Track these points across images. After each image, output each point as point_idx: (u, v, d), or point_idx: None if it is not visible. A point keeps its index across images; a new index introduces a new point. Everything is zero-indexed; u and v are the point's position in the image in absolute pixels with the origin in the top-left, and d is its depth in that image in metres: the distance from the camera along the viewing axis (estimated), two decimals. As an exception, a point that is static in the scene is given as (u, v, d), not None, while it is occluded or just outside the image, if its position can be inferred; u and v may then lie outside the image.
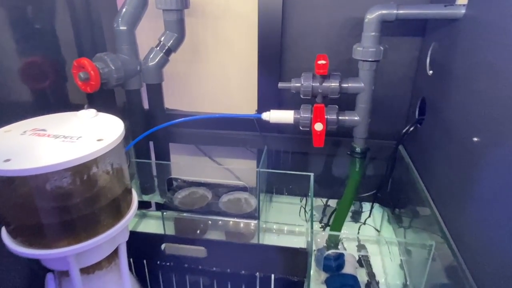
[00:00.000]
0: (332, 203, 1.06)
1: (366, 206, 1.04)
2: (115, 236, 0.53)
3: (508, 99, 0.49)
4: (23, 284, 0.67)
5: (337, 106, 0.76)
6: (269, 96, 0.98)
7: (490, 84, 0.54)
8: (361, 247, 0.93)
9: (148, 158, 1.06)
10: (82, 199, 0.48)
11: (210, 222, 0.95)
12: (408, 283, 0.81)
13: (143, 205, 1.04)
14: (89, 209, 0.49)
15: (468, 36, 0.62)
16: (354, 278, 0.81)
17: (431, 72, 0.79)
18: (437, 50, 0.77)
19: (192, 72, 1.08)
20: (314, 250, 0.86)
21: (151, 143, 1.05)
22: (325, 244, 0.87)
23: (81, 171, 0.46)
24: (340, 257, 0.83)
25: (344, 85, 0.72)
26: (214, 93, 1.10)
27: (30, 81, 0.76)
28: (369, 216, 0.98)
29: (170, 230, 0.95)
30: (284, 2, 0.88)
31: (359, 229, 1.00)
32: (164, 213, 0.93)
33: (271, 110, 0.77)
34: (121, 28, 0.86)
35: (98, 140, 0.48)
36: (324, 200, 1.07)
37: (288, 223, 1.02)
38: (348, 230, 0.99)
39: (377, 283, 0.83)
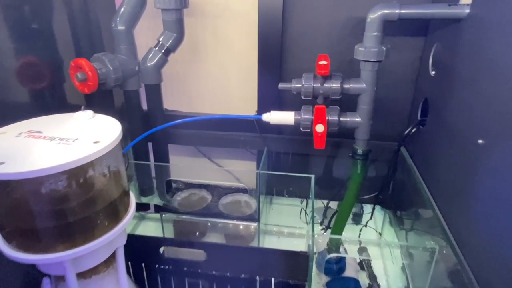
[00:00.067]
0: (333, 205, 1.05)
1: (367, 208, 1.03)
2: (112, 240, 0.52)
3: (514, 100, 0.48)
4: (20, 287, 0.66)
5: (338, 107, 0.75)
6: (269, 97, 0.97)
7: (495, 85, 0.53)
8: (362, 250, 0.92)
9: (147, 160, 1.05)
10: (78, 203, 0.47)
11: (209, 224, 0.94)
12: (410, 287, 0.80)
13: (142, 207, 1.03)
14: (85, 213, 0.48)
15: (472, 36, 0.61)
16: (355, 281, 0.80)
17: (433, 72, 0.78)
18: (440, 50, 0.76)
19: (192, 73, 1.07)
20: (315, 253, 0.85)
21: (150, 145, 1.04)
22: (326, 247, 0.86)
23: (77, 174, 0.45)
24: (341, 260, 0.83)
25: (346, 86, 0.71)
26: (213, 94, 1.09)
27: (27, 81, 0.75)
28: (371, 218, 0.97)
29: (169, 233, 0.94)
30: (284, 1, 0.87)
31: (360, 232, 0.98)
32: (163, 215, 0.92)
33: (272, 111, 0.76)
34: (119, 28, 0.85)
35: (95, 142, 0.46)
36: (325, 202, 1.06)
37: (288, 226, 1.01)
38: (349, 232, 0.98)
39: (379, 286, 0.82)
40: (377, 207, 1.01)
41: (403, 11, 0.66)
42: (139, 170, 1.05)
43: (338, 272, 0.82)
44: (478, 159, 0.56)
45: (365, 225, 0.99)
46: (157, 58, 0.90)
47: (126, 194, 0.56)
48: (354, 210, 1.02)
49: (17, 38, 0.72)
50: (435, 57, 0.78)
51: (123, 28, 0.85)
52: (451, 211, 0.65)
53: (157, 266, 0.71)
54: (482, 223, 0.54)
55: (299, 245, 0.97)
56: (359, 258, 0.89)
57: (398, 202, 0.94)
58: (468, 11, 0.62)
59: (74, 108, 0.57)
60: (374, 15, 0.67)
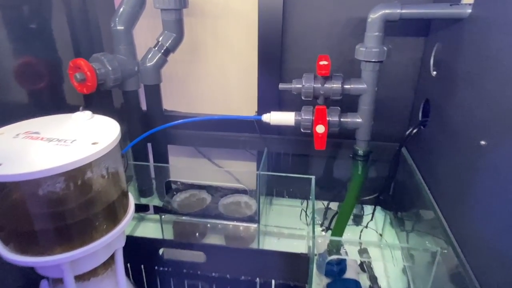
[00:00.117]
0: (333, 206, 1.05)
1: (368, 209, 1.03)
2: (111, 242, 0.52)
3: (517, 101, 0.47)
4: (17, 290, 0.65)
5: (339, 108, 0.74)
6: (269, 97, 0.97)
7: (497, 85, 0.52)
8: (363, 251, 0.91)
9: (146, 160, 1.04)
10: (76, 205, 0.47)
11: (209, 225, 0.93)
12: (411, 288, 0.80)
13: (141, 208, 1.03)
14: (83, 215, 0.48)
15: (474, 36, 0.61)
16: (356, 283, 0.80)
17: (435, 73, 0.78)
18: (442, 50, 0.75)
19: (191, 73, 1.06)
20: (315, 255, 0.84)
21: (149, 145, 1.03)
22: (326, 248, 0.86)
23: (75, 176, 0.45)
24: (342, 262, 0.82)
25: (347, 86, 0.71)
26: (213, 94, 1.08)
27: (25, 81, 0.75)
28: (371, 219, 0.97)
29: (169, 234, 0.93)
30: (284, 1, 0.87)
31: (361, 233, 0.98)
32: (163, 217, 0.91)
33: (272, 112, 0.75)
34: (118, 28, 0.85)
35: (93, 143, 0.46)
36: (325, 203, 1.05)
37: (288, 227, 1.01)
38: (350, 233, 0.98)
39: (380, 288, 0.82)
40: (378, 208, 1.00)
41: (404, 11, 0.65)
42: (139, 171, 1.04)
43: (339, 274, 0.81)
44: (480, 160, 0.56)
45: (366, 226, 0.98)
46: (157, 58, 0.89)
47: (125, 195, 0.56)
48: (354, 211, 1.01)
49: (15, 38, 0.71)
50: (436, 57, 0.78)
51: (122, 28, 0.85)
52: (452, 212, 0.65)
53: (156, 268, 0.71)
54: (484, 225, 0.54)
55: (299, 247, 0.96)
56: (360, 260, 0.88)
57: (399, 203, 0.93)
58: (470, 11, 0.62)
59: (73, 109, 0.57)
60: (375, 15, 0.66)
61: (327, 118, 0.72)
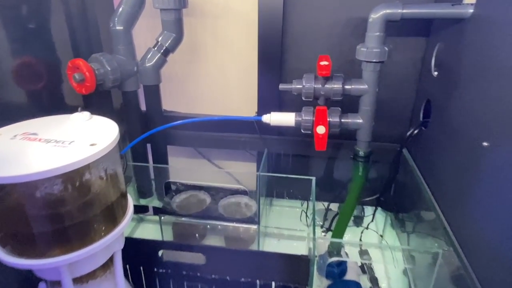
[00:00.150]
0: (334, 207, 1.04)
1: (368, 210, 1.02)
2: (110, 244, 0.51)
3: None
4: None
5: (339, 109, 0.74)
6: (270, 98, 0.96)
7: (500, 86, 0.52)
8: (363, 252, 0.91)
9: (146, 161, 1.04)
10: (74, 207, 0.46)
11: (209, 226, 0.93)
12: (412, 290, 0.79)
13: (141, 209, 1.02)
14: (82, 217, 0.47)
15: (476, 36, 0.60)
16: (357, 284, 0.79)
17: (436, 73, 0.77)
18: (443, 50, 0.75)
19: (191, 73, 1.06)
20: (316, 257, 0.84)
21: (148, 146, 1.03)
22: (327, 250, 0.85)
23: (73, 178, 0.44)
24: (342, 264, 0.81)
25: (347, 86, 0.70)
26: (213, 95, 1.08)
27: (24, 82, 0.74)
28: (372, 220, 0.96)
29: (168, 235, 0.93)
30: (285, 0, 0.86)
31: (361, 234, 0.97)
32: (162, 218, 0.91)
33: (272, 113, 0.75)
34: (117, 28, 0.84)
35: (91, 144, 0.46)
36: (326, 204, 1.05)
37: (289, 228, 1.00)
38: (350, 234, 0.97)
39: (380, 290, 0.81)
40: (378, 209, 0.99)
41: (405, 11, 0.65)
42: (138, 172, 1.04)
43: (340, 276, 0.81)
44: (483, 162, 0.55)
45: (367, 228, 0.98)
46: (156, 58, 0.89)
47: (123, 197, 0.55)
48: (355, 212, 1.01)
49: (13, 38, 0.71)
50: (437, 57, 0.77)
51: (122, 28, 0.84)
52: (454, 213, 0.64)
53: (155, 269, 0.71)
54: (486, 226, 0.54)
55: (299, 248, 0.96)
56: (361, 262, 0.88)
57: (399, 204, 0.93)
58: (472, 10, 0.61)
59: (72, 109, 0.56)
60: (376, 15, 0.65)
61: (328, 119, 0.71)
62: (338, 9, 0.85)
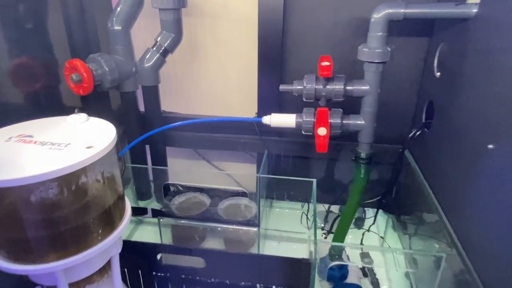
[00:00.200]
0: (335, 208, 1.03)
1: (369, 212, 1.01)
2: (107, 248, 0.50)
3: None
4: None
5: (341, 110, 0.73)
6: (270, 99, 0.96)
7: (505, 87, 0.51)
8: (365, 255, 0.90)
9: (145, 163, 1.03)
10: (70, 211, 0.45)
11: (208, 229, 0.92)
12: (415, 294, 0.78)
13: (139, 211, 1.02)
14: (78, 221, 0.46)
15: (480, 37, 0.59)
16: (358, 288, 0.78)
17: (438, 74, 0.76)
18: (446, 51, 0.74)
19: (190, 74, 1.05)
20: (317, 260, 0.83)
21: (147, 147, 1.02)
22: (328, 253, 0.84)
23: (69, 181, 0.43)
24: (343, 267, 0.81)
25: (349, 87, 0.69)
26: (212, 96, 1.07)
27: (20, 83, 0.73)
28: (373, 223, 0.95)
29: (167, 237, 0.92)
30: (285, 0, 0.85)
31: (362, 236, 0.96)
32: (161, 220, 0.90)
33: (272, 114, 0.74)
34: (115, 27, 0.83)
35: (88, 147, 0.44)
36: (326, 206, 1.04)
37: (289, 231, 0.99)
38: (351, 236, 0.96)
39: (382, 293, 0.80)
40: (380, 211, 0.98)
41: (408, 10, 0.64)
42: (136, 174, 1.03)
43: (341, 279, 0.80)
44: (487, 163, 0.54)
45: (368, 230, 0.97)
46: (155, 59, 0.88)
47: (121, 200, 0.54)
48: (356, 214, 1.00)
49: (10, 38, 0.70)
50: (440, 58, 0.76)
51: (120, 28, 0.83)
52: (457, 216, 0.64)
53: (154, 273, 0.70)
54: (490, 229, 0.53)
55: (300, 250, 0.95)
56: (362, 265, 0.87)
57: (401, 206, 0.92)
58: (476, 10, 0.61)
59: (70, 111, 0.55)
60: (379, 15, 0.65)
61: (329, 120, 0.70)
62: (339, 8, 0.85)
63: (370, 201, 0.96)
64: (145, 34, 0.92)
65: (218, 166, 1.16)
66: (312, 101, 0.72)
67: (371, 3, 0.68)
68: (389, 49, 0.65)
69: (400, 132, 0.90)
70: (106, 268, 0.55)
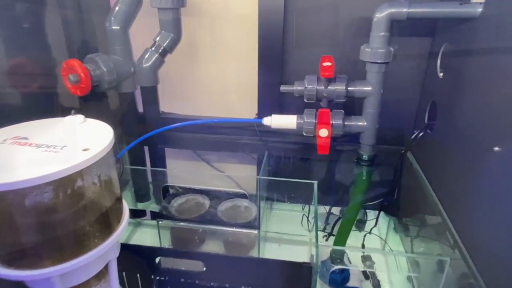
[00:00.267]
0: (335, 210, 1.02)
1: (371, 214, 1.00)
2: (104, 252, 0.49)
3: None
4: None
5: (343, 111, 0.72)
6: (270, 100, 0.95)
7: (510, 88, 0.50)
8: (366, 258, 0.89)
9: (143, 164, 1.02)
10: (66, 215, 0.44)
11: (208, 231, 0.91)
12: (417, 297, 0.77)
13: (138, 213, 1.01)
14: (74, 225, 0.45)
15: (485, 37, 0.59)
16: (360, 292, 0.77)
17: (441, 74, 0.75)
18: (449, 51, 0.73)
19: (189, 74, 1.04)
20: (319, 263, 0.82)
21: (146, 148, 1.01)
22: (329, 256, 0.83)
23: (65, 185, 0.42)
24: (345, 270, 0.80)
25: (351, 88, 0.68)
26: (212, 96, 1.06)
27: (17, 83, 0.72)
28: (375, 225, 0.94)
29: (166, 240, 0.91)
30: (286, 0, 0.84)
31: (364, 238, 0.95)
32: (160, 222, 0.89)
33: (273, 115, 0.73)
34: (113, 27, 0.82)
35: (84, 150, 0.43)
36: (327, 207, 1.03)
37: (290, 233, 0.98)
38: (353, 239, 0.95)
39: (384, 296, 0.79)
40: (381, 213, 0.97)
41: (411, 10, 0.63)
42: (135, 175, 1.02)
43: (342, 282, 0.79)
44: (491, 165, 0.54)
45: (369, 232, 0.95)
46: (154, 59, 0.87)
47: (119, 203, 0.53)
48: (357, 216, 0.99)
49: (6, 38, 0.69)
50: (443, 58, 0.75)
51: (118, 27, 0.82)
52: (461, 218, 0.63)
53: (153, 277, 0.69)
54: (495, 232, 0.52)
55: (301, 253, 0.94)
56: (365, 268, 0.86)
57: (403, 208, 0.91)
58: (480, 10, 0.60)
59: (67, 112, 0.54)
60: (381, 14, 0.64)
61: (331, 122, 0.69)
62: (341, 8, 0.84)
63: (371, 203, 0.95)
64: (143, 34, 0.90)
65: (218, 167, 1.14)
66: (313, 102, 0.71)
67: (374, 3, 0.67)
68: (391, 49, 0.65)
69: (402, 133, 0.89)
70: (103, 273, 0.54)
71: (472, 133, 0.60)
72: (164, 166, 1.04)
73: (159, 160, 1.01)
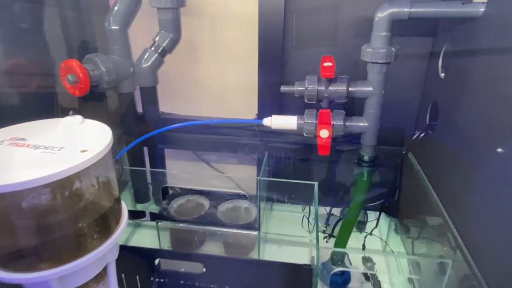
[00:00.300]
0: (336, 211, 1.02)
1: (371, 215, 1.00)
2: (103, 255, 0.48)
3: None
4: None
5: (343, 112, 0.71)
6: (270, 100, 0.94)
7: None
8: (367, 259, 0.88)
9: (143, 165, 1.02)
10: (64, 217, 0.43)
11: (207, 232, 0.90)
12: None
13: (137, 215, 1.00)
14: (72, 228, 0.44)
15: (487, 36, 0.58)
16: (361, 294, 0.77)
17: (443, 74, 0.75)
18: (451, 51, 0.72)
19: (189, 74, 1.03)
20: (320, 265, 0.81)
21: (145, 149, 1.00)
22: (330, 257, 0.83)
23: (62, 187, 0.41)
24: (346, 272, 0.79)
25: (352, 89, 0.68)
26: (212, 97, 1.06)
27: (15, 84, 0.72)
28: (376, 226, 0.93)
29: (166, 241, 0.91)
30: (286, 0, 0.83)
31: (364, 239, 0.95)
32: (159, 224, 0.88)
33: (273, 116, 0.72)
34: (113, 27, 0.82)
35: (82, 151, 0.43)
36: (327, 208, 1.02)
37: (290, 234, 0.98)
38: (353, 240, 0.95)
39: (385, 298, 0.79)
40: (382, 214, 0.97)
41: (413, 9, 0.62)
42: (135, 176, 1.01)
43: (343, 284, 0.79)
44: (493, 166, 0.53)
45: (370, 233, 0.95)
46: (153, 59, 0.86)
47: (117, 205, 0.52)
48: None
49: (4, 38, 0.68)
50: (445, 58, 0.75)
51: (117, 27, 0.82)
52: (463, 219, 0.62)
53: (152, 278, 0.69)
54: (498, 234, 0.52)
55: (301, 254, 0.93)
56: (366, 270, 0.85)
57: (404, 209, 0.90)
58: (483, 9, 0.59)
59: (66, 112, 0.54)
60: (383, 14, 0.63)
61: (332, 122, 0.69)
62: (341, 7, 0.83)
63: (372, 204, 0.94)
64: (143, 34, 0.90)
65: (218, 168, 1.14)
66: (313, 102, 0.71)
67: (375, 2, 0.67)
68: (393, 49, 0.64)
69: (403, 134, 0.88)
70: (102, 275, 0.53)
71: (474, 134, 0.60)
72: (164, 167, 1.03)
73: (158, 161, 1.01)
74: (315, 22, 0.86)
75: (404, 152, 0.82)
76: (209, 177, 1.11)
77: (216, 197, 0.97)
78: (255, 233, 0.86)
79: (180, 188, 0.99)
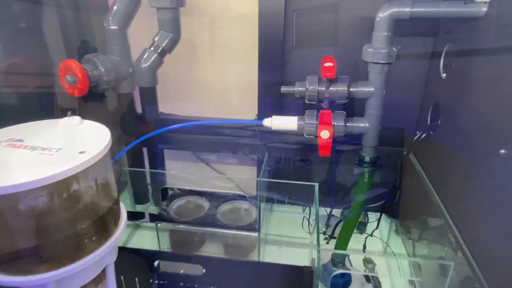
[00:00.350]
0: (336, 212, 1.01)
1: (372, 216, 0.99)
2: (101, 257, 0.48)
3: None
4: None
5: (344, 112, 0.71)
6: (270, 100, 0.94)
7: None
8: (368, 260, 0.88)
9: (142, 165, 1.01)
10: (62, 219, 0.43)
11: (207, 233, 0.90)
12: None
13: (137, 216, 0.99)
14: (70, 230, 0.44)
15: (490, 36, 0.58)
16: (362, 295, 0.76)
17: (444, 75, 0.74)
18: (453, 51, 0.72)
19: (188, 75, 1.03)
20: (320, 267, 0.81)
21: (145, 150, 1.00)
22: (330, 259, 0.82)
23: (60, 189, 0.41)
24: (346, 274, 0.79)
25: (353, 89, 0.67)
26: (211, 97, 1.05)
27: (14, 84, 0.71)
28: (377, 227, 0.93)
29: (165, 242, 0.90)
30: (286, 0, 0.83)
31: (365, 240, 0.94)
32: (159, 225, 0.88)
33: (273, 116, 0.72)
34: (112, 27, 0.81)
35: (80, 152, 0.42)
36: (328, 209, 1.01)
37: (290, 236, 0.97)
38: (354, 241, 0.94)
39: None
40: (383, 215, 0.96)
41: (415, 9, 0.62)
42: (134, 177, 1.01)
43: (344, 286, 0.78)
44: (496, 168, 0.53)
45: (371, 235, 0.94)
46: (152, 59, 0.86)
47: (116, 206, 0.52)
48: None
49: (3, 38, 0.68)
50: (446, 58, 0.74)
51: (116, 27, 0.81)
52: (465, 221, 0.62)
53: (151, 280, 0.68)
54: (500, 235, 0.51)
55: (301, 255, 0.93)
56: (366, 272, 0.85)
57: (405, 210, 0.90)
58: (485, 9, 0.59)
59: (65, 113, 0.53)
60: (384, 14, 0.62)
61: (332, 123, 0.68)
62: (342, 7, 0.83)
63: (373, 205, 0.94)
64: (142, 34, 0.89)
65: (218, 169, 1.13)
66: (314, 103, 0.70)
67: (376, 2, 0.66)
68: (394, 49, 0.63)
69: (404, 134, 0.88)
70: (100, 277, 0.53)
71: (476, 135, 0.59)
72: (163, 168, 1.02)
73: (158, 162, 1.00)
74: (316, 22, 0.85)
75: (405, 153, 0.82)
76: (209, 177, 1.11)
77: (216, 198, 0.96)
78: (255, 234, 0.85)
79: (180, 189, 0.98)
